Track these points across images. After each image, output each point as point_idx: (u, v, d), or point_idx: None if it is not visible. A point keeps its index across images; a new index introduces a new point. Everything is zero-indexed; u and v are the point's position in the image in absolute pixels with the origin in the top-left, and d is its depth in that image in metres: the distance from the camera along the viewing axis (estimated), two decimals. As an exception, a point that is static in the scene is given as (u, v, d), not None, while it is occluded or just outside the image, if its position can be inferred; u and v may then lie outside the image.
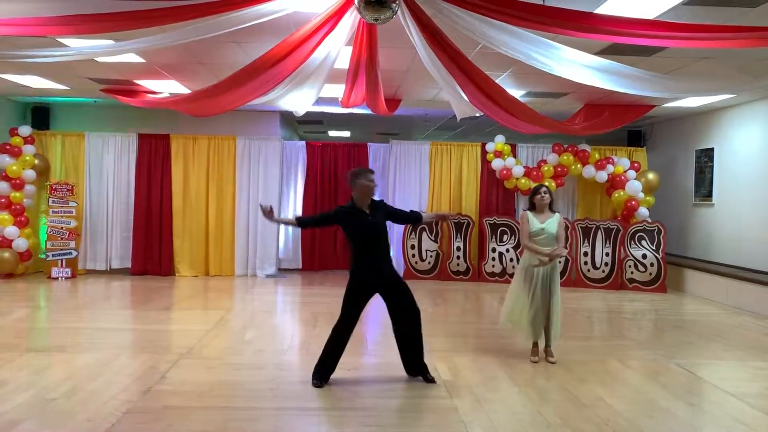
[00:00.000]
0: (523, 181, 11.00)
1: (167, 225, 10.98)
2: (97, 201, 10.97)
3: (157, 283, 10.12)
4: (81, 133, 10.97)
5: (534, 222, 5.71)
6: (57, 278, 10.32)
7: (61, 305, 8.53)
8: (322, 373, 4.99)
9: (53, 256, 10.37)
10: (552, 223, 5.70)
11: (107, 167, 10.98)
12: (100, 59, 7.42)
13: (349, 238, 5.06)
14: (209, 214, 11.05)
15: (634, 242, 10.47)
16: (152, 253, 10.97)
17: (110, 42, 6.23)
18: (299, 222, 5.42)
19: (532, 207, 5.85)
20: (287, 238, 11.69)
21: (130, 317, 7.86)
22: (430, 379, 5.07)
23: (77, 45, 6.50)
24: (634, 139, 12.63)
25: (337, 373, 5.26)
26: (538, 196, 5.78)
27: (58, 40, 6.44)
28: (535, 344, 5.83)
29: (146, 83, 9.02)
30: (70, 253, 10.48)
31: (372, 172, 5.05)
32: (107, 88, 9.33)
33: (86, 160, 10.93)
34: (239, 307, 8.46)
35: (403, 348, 5.14)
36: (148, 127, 11.15)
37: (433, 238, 11.02)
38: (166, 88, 9.26)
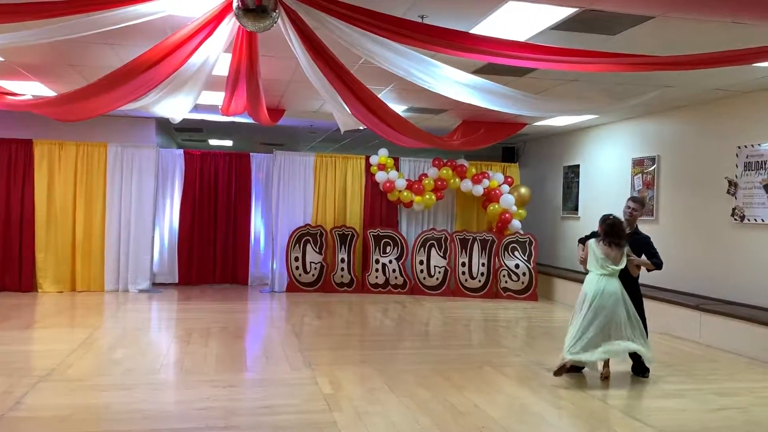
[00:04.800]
0: (405, 193, 11.21)
1: (29, 237, 10.14)
2: (-54, 211, 9.97)
3: (16, 300, 9.32)
4: (-73, 136, 9.95)
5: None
6: None
7: None
8: None
9: None
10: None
11: (-41, 174, 10.01)
12: (-50, 55, 6.78)
13: None
14: (77, 226, 10.33)
15: (508, 253, 10.96)
16: (11, 268, 10.08)
17: (-39, 37, 5.69)
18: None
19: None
20: (162, 250, 11.16)
21: (-17, 338, 7.18)
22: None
23: None
24: (508, 155, 13.28)
25: (213, 391, 5.08)
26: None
27: None
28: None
29: (5, 84, 8.33)
30: None
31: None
32: (-41, 88, 8.53)
33: (-67, 166, 9.91)
34: (109, 325, 7.97)
35: None
36: (7, 131, 10.27)
37: (317, 250, 10.95)
38: (28, 89, 8.59)
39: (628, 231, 6.00)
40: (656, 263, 5.97)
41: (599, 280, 5.74)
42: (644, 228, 9.41)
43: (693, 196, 8.60)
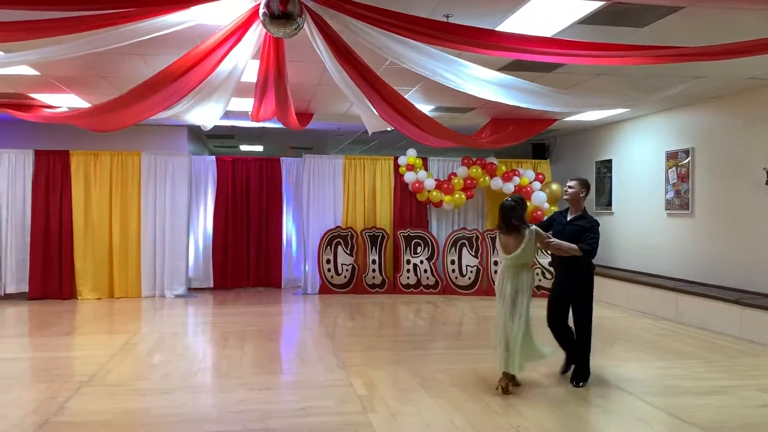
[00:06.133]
0: (434, 193, 11.19)
1: (68, 246, 10.39)
2: (-12, 222, 10.27)
3: (58, 308, 9.56)
4: (-30, 150, 10.27)
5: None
6: (-57, 306, 9.56)
7: (-52, 335, 7.90)
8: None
9: (-61, 282, 9.61)
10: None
11: (0, 186, 10.29)
12: (-11, 71, 6.98)
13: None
14: (113, 234, 10.55)
15: (540, 251, 10.83)
16: (52, 276, 10.34)
17: (0, 53, 5.87)
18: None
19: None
20: (197, 255, 11.33)
21: (27, 345, 7.38)
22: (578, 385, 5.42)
23: (-38, 56, 6.07)
24: (539, 151, 13.16)
25: (250, 394, 5.15)
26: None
27: (-59, 50, 6.01)
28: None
29: (42, 97, 8.57)
30: (-41, 279, 9.74)
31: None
32: (-1, 102, 8.79)
33: (-23, 179, 10.23)
34: (146, 330, 8.12)
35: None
36: (45, 143, 10.56)
37: (348, 251, 11.00)
38: (64, 102, 8.82)
39: (572, 216, 5.61)
40: (582, 248, 5.29)
41: (500, 272, 5.41)
42: (680, 222, 9.31)
43: (729, 188, 8.41)
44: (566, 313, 5.63)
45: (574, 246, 5.32)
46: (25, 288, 10.27)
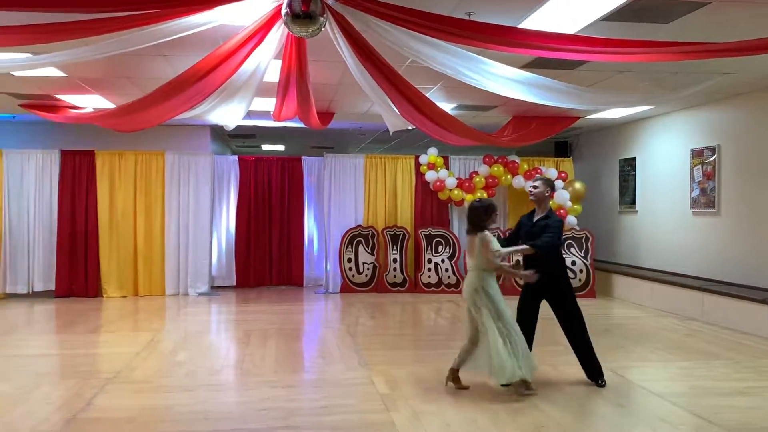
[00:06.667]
0: (456, 192, 11.16)
1: (93, 244, 10.55)
2: (17, 221, 10.45)
3: (83, 305, 9.70)
4: (-1, 151, 10.48)
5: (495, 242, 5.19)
6: (-27, 303, 9.77)
7: (-22, 332, 8.06)
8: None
9: (-31, 280, 9.81)
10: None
11: (27, 186, 10.48)
12: (17, 73, 7.10)
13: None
14: (137, 233, 10.69)
15: (564, 250, 10.75)
16: (77, 274, 10.51)
17: (28, 55, 5.96)
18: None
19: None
20: (220, 254, 11.44)
21: (54, 342, 7.50)
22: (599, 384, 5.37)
23: (-9, 58, 6.19)
24: (561, 149, 13.05)
25: (272, 391, 5.18)
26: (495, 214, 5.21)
27: (-30, 53, 6.13)
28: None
29: (68, 98, 8.69)
30: (-12, 277, 9.93)
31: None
32: (26, 104, 8.93)
33: (4, 179, 10.39)
34: (170, 328, 8.21)
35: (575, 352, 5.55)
36: (71, 143, 10.73)
37: (369, 250, 11.02)
38: (89, 102, 8.94)
39: (538, 216, 5.44)
40: (534, 245, 5.17)
41: (466, 277, 5.28)
42: (706, 221, 9.16)
43: (756, 186, 8.26)
44: (534, 306, 5.64)
45: (523, 246, 5.25)
46: (52, 286, 10.45)
